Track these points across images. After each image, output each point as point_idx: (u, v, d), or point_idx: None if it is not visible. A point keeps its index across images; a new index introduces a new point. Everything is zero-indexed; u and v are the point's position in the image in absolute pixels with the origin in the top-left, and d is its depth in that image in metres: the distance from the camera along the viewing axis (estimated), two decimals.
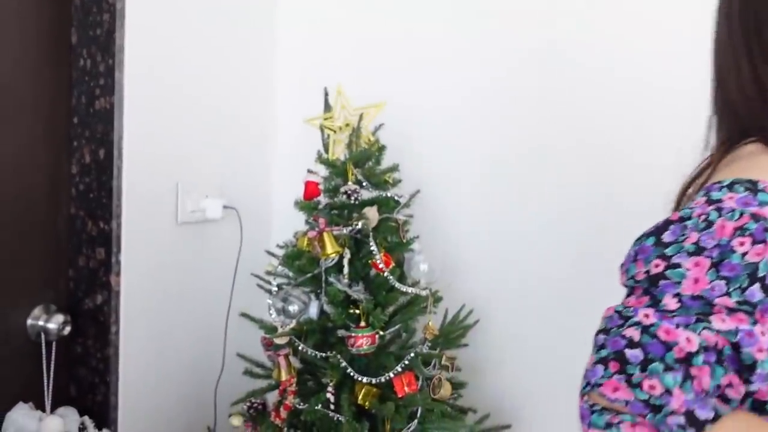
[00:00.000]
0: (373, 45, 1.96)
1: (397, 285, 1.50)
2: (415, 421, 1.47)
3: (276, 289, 1.54)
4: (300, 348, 1.48)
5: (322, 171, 1.59)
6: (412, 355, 1.48)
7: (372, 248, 1.48)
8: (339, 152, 1.60)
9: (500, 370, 1.82)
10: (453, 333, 1.62)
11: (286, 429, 1.47)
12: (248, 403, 1.61)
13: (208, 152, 1.85)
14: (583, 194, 1.73)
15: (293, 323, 1.49)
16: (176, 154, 1.75)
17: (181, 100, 1.75)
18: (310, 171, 1.58)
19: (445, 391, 1.51)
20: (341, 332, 1.50)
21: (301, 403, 1.48)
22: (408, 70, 1.91)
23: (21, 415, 1.44)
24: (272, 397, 1.56)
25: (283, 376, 1.51)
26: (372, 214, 1.51)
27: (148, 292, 1.68)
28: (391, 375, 1.46)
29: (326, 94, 1.64)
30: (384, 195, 1.55)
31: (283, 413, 1.46)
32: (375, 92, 1.67)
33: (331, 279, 1.49)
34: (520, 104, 1.80)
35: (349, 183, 1.54)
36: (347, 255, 1.49)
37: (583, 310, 1.73)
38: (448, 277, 1.65)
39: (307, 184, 1.56)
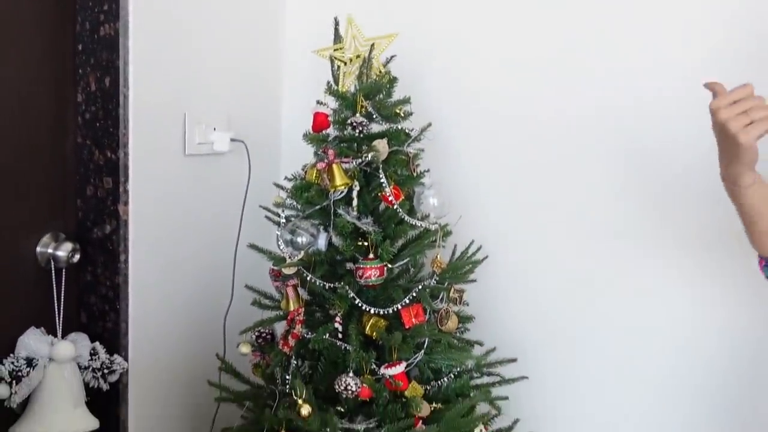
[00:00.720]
0: None
1: (407, 218, 1.49)
2: (422, 351, 1.49)
3: (284, 221, 1.55)
4: (308, 279, 1.49)
5: (332, 103, 1.56)
6: (420, 287, 1.49)
7: (382, 181, 1.46)
8: (349, 84, 1.57)
9: (508, 306, 1.83)
10: (461, 268, 1.62)
11: (293, 358, 1.49)
12: (256, 333, 1.64)
13: (216, 84, 1.83)
14: (597, 129, 1.70)
15: (301, 254, 1.49)
16: (184, 85, 1.72)
17: (188, 29, 1.72)
18: (319, 102, 1.56)
19: (452, 323, 1.52)
20: (350, 265, 1.51)
21: (309, 333, 1.50)
22: (421, 1, 1.87)
23: (33, 339, 1.46)
24: (280, 328, 1.57)
25: (291, 306, 1.53)
26: (382, 146, 1.49)
27: (157, 222, 1.68)
28: (399, 306, 1.47)
29: (336, 24, 1.60)
30: (394, 128, 1.53)
31: (291, 342, 1.48)
32: (387, 23, 1.64)
33: (340, 211, 1.48)
34: (533, 39, 1.76)
35: (358, 115, 1.51)
36: (356, 187, 1.48)
37: (592, 249, 1.74)
38: (458, 212, 1.64)
39: (316, 115, 1.54)
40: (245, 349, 1.57)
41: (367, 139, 1.52)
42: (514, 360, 1.69)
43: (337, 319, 1.47)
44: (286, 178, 1.62)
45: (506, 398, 1.64)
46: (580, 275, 1.76)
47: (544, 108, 1.76)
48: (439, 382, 1.55)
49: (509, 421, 1.69)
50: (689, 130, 1.57)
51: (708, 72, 1.28)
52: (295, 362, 1.49)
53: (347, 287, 1.47)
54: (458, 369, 1.57)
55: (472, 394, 1.57)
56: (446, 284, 1.53)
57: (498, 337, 1.75)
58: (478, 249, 1.68)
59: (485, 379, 1.65)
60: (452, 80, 1.85)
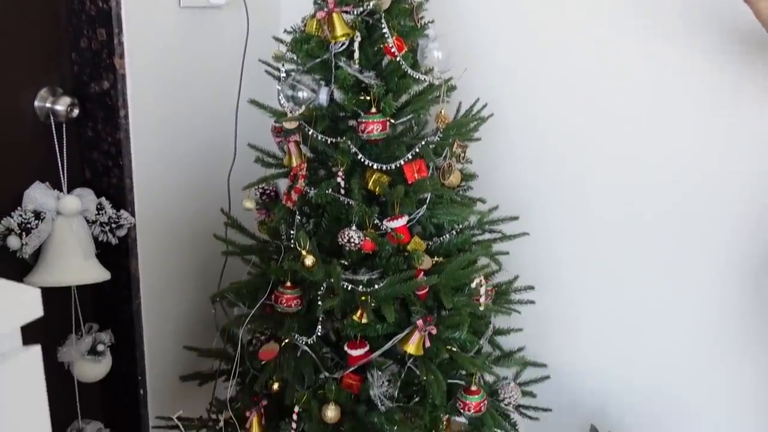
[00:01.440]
0: None
1: (410, 71, 1.45)
2: (424, 206, 1.50)
3: (284, 75, 1.51)
4: (310, 134, 1.47)
5: None
6: (423, 142, 1.47)
7: (384, 31, 1.41)
8: None
9: (511, 165, 1.82)
10: (466, 125, 1.60)
11: (297, 212, 1.50)
12: (260, 190, 1.65)
13: None
14: None
15: (302, 109, 1.47)
16: None
17: None
18: None
19: (455, 178, 1.51)
20: (351, 121, 1.48)
21: (312, 188, 1.50)
22: None
23: (39, 193, 1.48)
24: (283, 185, 1.58)
25: (294, 162, 1.52)
26: None
27: (155, 76, 1.64)
28: (402, 162, 1.46)
29: None
30: None
31: (294, 196, 1.49)
32: None
33: (341, 64, 1.44)
34: None
35: None
36: (358, 38, 1.43)
37: (594, 110, 1.70)
38: (464, 65, 1.59)
39: None
40: (249, 204, 1.58)
41: None
42: (516, 218, 1.70)
43: (340, 173, 1.47)
44: (285, 30, 1.56)
45: (507, 253, 1.67)
46: (584, 133, 1.74)
47: None
48: (441, 237, 1.57)
49: (510, 276, 1.73)
50: None
51: None
52: (299, 217, 1.51)
53: (349, 142, 1.46)
54: (460, 225, 1.59)
55: (473, 249, 1.60)
56: (450, 141, 1.51)
57: (501, 196, 1.76)
58: (484, 106, 1.65)
59: (486, 236, 1.68)
60: None
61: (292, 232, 1.52)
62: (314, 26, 1.48)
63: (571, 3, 1.67)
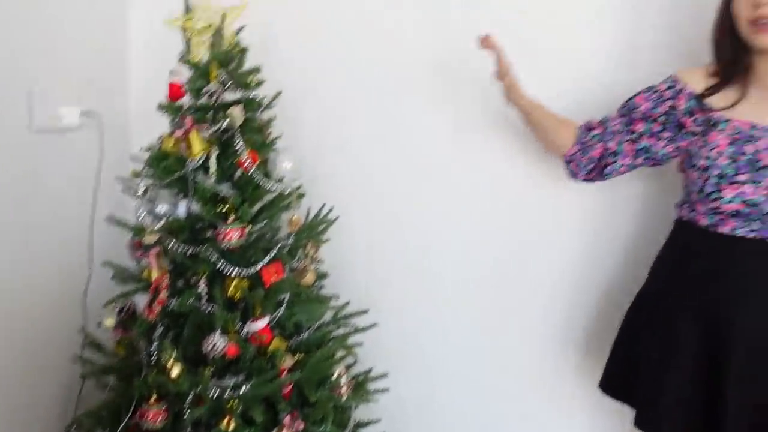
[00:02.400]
0: None
1: (263, 182, 1.57)
2: (283, 306, 1.59)
3: (143, 191, 1.57)
4: (171, 246, 1.53)
5: (185, 72, 1.60)
6: (279, 246, 1.58)
7: (238, 147, 1.53)
8: (201, 53, 1.62)
9: (359, 264, 1.97)
10: (316, 227, 1.73)
11: (159, 326, 1.52)
12: (119, 308, 1.65)
13: (62, 57, 1.78)
14: (441, 105, 1.88)
15: (162, 223, 1.53)
16: (28, 60, 1.67)
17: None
18: (172, 72, 1.59)
19: (310, 277, 1.62)
20: (210, 233, 1.56)
21: (173, 299, 1.54)
22: None
23: None
24: (140, 301, 1.60)
25: (154, 274, 1.56)
26: (237, 113, 1.55)
27: (4, 201, 1.63)
28: (259, 266, 1.55)
29: None
30: (248, 95, 1.59)
31: (157, 308, 1.51)
32: None
33: (199, 178, 1.53)
34: (382, 11, 1.89)
35: (213, 83, 1.56)
36: (214, 153, 1.54)
37: (431, 215, 1.92)
38: (311, 175, 1.74)
39: (171, 85, 1.57)
40: (110, 322, 1.58)
41: (221, 107, 1.57)
42: (365, 311, 1.83)
43: (202, 282, 1.53)
44: (141, 149, 1.63)
45: (361, 344, 1.79)
46: (424, 234, 1.94)
47: (390, 80, 1.90)
48: (300, 335, 1.66)
49: (365, 367, 1.83)
50: None
51: None
52: (162, 327, 1.53)
53: (210, 251, 1.53)
54: (317, 322, 1.69)
55: (330, 344, 1.70)
56: (303, 243, 1.63)
57: (352, 292, 1.88)
58: (330, 210, 1.80)
59: (341, 331, 1.79)
60: (303, 50, 1.94)
61: (153, 344, 1.54)
62: (171, 144, 1.57)
63: (409, 115, 1.90)
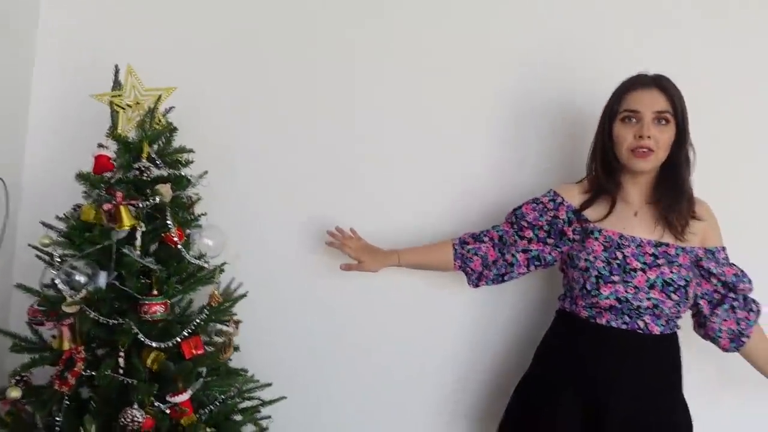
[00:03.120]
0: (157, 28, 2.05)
1: (189, 257, 1.63)
2: (201, 379, 1.62)
3: (59, 261, 1.56)
4: (91, 316, 1.52)
5: (112, 147, 1.63)
6: (199, 320, 1.63)
7: (168, 222, 1.58)
8: (128, 130, 1.66)
9: (265, 341, 2.03)
10: (224, 303, 1.79)
11: (65, 398, 1.49)
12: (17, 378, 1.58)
13: None
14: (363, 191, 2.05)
15: (84, 293, 1.52)
16: None
17: None
18: (101, 145, 1.62)
19: (229, 352, 1.68)
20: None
21: (87, 371, 1.52)
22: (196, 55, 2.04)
23: None
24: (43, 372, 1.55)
25: (66, 345, 1.54)
26: (166, 190, 1.60)
27: None
28: (179, 339, 1.59)
29: (116, 72, 1.69)
30: (176, 173, 1.66)
31: (72, 380, 1.49)
32: (160, 75, 1.76)
33: (125, 250, 1.55)
34: (303, 97, 2.04)
35: (143, 160, 1.61)
36: (141, 227, 1.57)
37: (326, 306, 2.05)
38: (230, 252, 1.80)
39: (100, 157, 1.60)
40: (16, 392, 1.51)
41: (150, 182, 1.62)
42: (269, 384, 1.90)
43: (121, 354, 1.53)
44: (57, 217, 1.62)
45: (269, 417, 1.84)
46: (323, 323, 2.07)
47: (310, 168, 2.04)
48: (210, 408, 1.69)
49: None
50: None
51: None
52: (68, 402, 1.50)
53: (131, 323, 1.54)
54: (226, 395, 1.73)
55: (239, 417, 1.74)
56: (226, 317, 1.69)
57: (258, 366, 1.94)
58: (239, 285, 1.87)
59: (246, 404, 1.83)
60: (228, 132, 2.04)
61: (58, 419, 1.50)
62: (91, 215, 1.59)
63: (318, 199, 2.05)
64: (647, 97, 1.59)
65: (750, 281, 1.67)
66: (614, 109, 1.63)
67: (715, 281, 1.67)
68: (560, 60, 1.98)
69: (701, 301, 1.68)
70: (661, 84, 1.60)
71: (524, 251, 1.76)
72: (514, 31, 2.00)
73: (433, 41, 2.01)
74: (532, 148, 2.01)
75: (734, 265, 1.68)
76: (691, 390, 1.66)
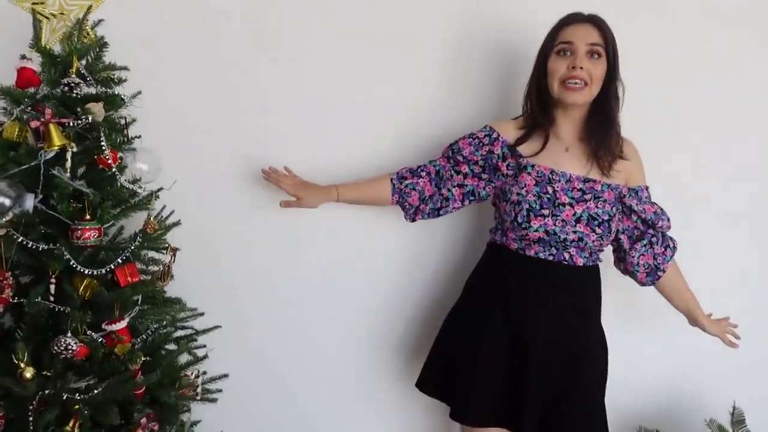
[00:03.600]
0: None
1: (123, 182, 1.55)
2: (137, 307, 1.57)
3: None
4: (19, 240, 1.43)
5: (36, 59, 1.51)
6: (134, 246, 1.56)
7: (102, 144, 1.49)
8: (53, 42, 1.54)
9: (198, 267, 1.99)
10: (158, 230, 1.73)
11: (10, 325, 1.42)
12: None
13: None
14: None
15: (10, 216, 1.43)
16: None
17: None
18: (24, 57, 1.49)
19: (168, 280, 1.63)
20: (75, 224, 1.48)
21: (15, 298, 1.44)
22: None
23: None
24: None
25: None
26: (98, 109, 1.50)
27: None
28: (113, 266, 1.52)
29: None
30: (109, 92, 1.56)
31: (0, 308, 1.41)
32: None
33: (54, 172, 1.46)
34: (244, 25, 1.95)
35: (73, 76, 1.50)
36: (72, 148, 1.48)
37: (260, 237, 2.02)
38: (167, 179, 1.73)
39: (23, 70, 1.48)
40: None
41: (80, 100, 1.51)
42: (202, 314, 1.87)
43: (52, 280, 1.46)
44: None
45: (204, 346, 1.82)
46: (257, 237, 2.03)
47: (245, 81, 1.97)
48: (144, 336, 1.65)
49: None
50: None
51: None
52: (11, 325, 1.43)
53: (63, 249, 1.46)
54: (162, 324, 1.69)
55: (174, 347, 1.71)
56: (165, 246, 1.64)
57: (191, 295, 1.90)
58: (171, 213, 1.81)
59: (179, 333, 1.80)
60: (164, 49, 1.92)
61: None
62: (14, 133, 1.48)
63: (263, 129, 1.98)
64: (581, 31, 1.67)
65: (669, 220, 1.78)
66: (550, 44, 1.70)
67: (635, 218, 1.77)
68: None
69: (622, 236, 1.79)
70: (595, 20, 1.69)
71: (459, 186, 1.81)
72: None
73: None
74: (469, 86, 2.02)
75: (655, 204, 1.79)
76: (606, 317, 1.78)
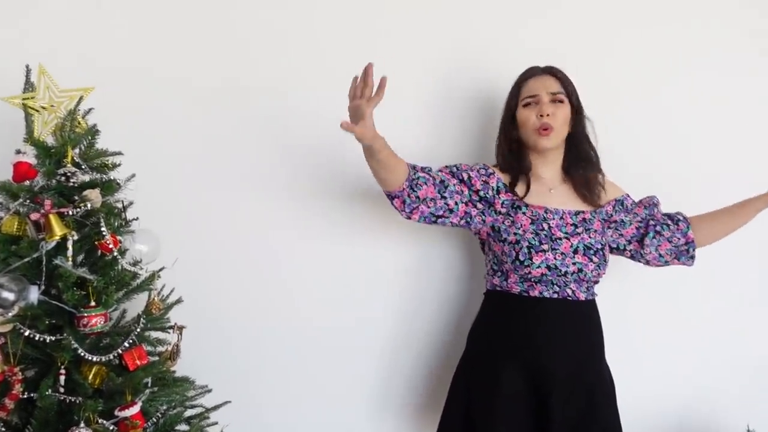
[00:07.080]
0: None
1: (125, 265, 1.55)
2: (147, 390, 1.55)
3: None
4: (26, 334, 1.42)
5: (31, 153, 1.52)
6: (139, 329, 1.56)
7: (102, 230, 1.50)
8: (46, 134, 1.56)
9: (202, 346, 1.97)
10: (161, 310, 1.72)
11: (17, 422, 1.39)
12: None
13: None
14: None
15: (15, 311, 1.42)
16: None
17: None
18: (19, 151, 1.51)
19: (177, 359, 1.62)
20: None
21: (26, 393, 1.42)
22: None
23: None
24: None
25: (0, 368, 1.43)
26: (95, 195, 1.52)
27: None
28: (120, 351, 1.51)
29: (28, 72, 1.58)
30: (105, 178, 1.57)
31: (10, 404, 1.38)
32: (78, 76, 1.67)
33: (57, 261, 1.46)
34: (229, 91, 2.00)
35: (69, 165, 1.52)
36: (73, 236, 1.48)
37: (261, 307, 2.03)
38: (164, 259, 1.74)
39: (19, 165, 1.49)
40: None
41: (77, 188, 1.53)
42: (209, 390, 1.85)
43: (62, 371, 1.44)
44: None
45: (216, 423, 1.79)
46: (266, 306, 2.04)
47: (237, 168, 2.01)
48: (154, 419, 1.62)
49: None
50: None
51: None
52: (18, 422, 1.40)
53: (70, 338, 1.45)
54: (170, 405, 1.67)
55: (187, 427, 1.68)
56: (172, 324, 1.63)
57: (197, 372, 1.88)
58: (171, 291, 1.80)
59: (189, 412, 1.77)
60: (155, 134, 1.97)
61: None
62: (14, 226, 1.48)
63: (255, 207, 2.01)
64: (542, 83, 1.80)
65: (656, 198, 1.92)
66: (515, 99, 1.83)
67: (632, 225, 1.87)
68: (465, 57, 2.12)
69: (631, 245, 1.87)
70: (552, 71, 1.83)
71: (465, 203, 1.76)
72: (439, 34, 2.12)
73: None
74: (451, 134, 2.11)
75: (641, 200, 1.91)
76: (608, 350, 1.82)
